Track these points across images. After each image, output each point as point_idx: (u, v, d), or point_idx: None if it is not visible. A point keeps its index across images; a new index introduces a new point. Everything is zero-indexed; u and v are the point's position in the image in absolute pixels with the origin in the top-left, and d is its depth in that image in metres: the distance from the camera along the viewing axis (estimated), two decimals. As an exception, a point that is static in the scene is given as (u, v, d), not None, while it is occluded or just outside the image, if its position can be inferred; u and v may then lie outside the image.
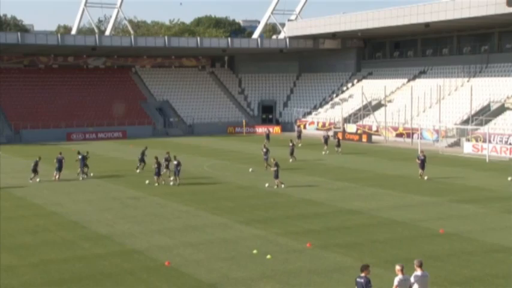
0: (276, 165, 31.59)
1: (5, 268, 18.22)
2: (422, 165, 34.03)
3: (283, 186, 31.46)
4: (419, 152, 35.42)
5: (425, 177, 33.89)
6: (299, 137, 53.79)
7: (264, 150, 39.08)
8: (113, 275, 17.60)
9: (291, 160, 41.58)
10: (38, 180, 34.25)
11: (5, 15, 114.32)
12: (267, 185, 31.87)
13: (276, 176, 31.56)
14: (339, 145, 47.58)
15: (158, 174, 32.88)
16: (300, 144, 51.40)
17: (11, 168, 40.58)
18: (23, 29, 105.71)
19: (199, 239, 21.38)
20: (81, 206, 27.60)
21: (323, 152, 47.43)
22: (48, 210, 26.72)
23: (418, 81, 66.08)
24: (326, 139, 49.04)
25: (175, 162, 32.96)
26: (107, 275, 17.55)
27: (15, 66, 71.42)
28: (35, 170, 34.36)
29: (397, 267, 13.02)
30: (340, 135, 54.46)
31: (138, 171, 37.42)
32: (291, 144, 42.66)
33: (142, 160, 37.94)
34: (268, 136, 51.58)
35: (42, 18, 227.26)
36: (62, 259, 19.06)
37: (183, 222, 24.11)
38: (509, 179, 33.53)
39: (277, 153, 41.12)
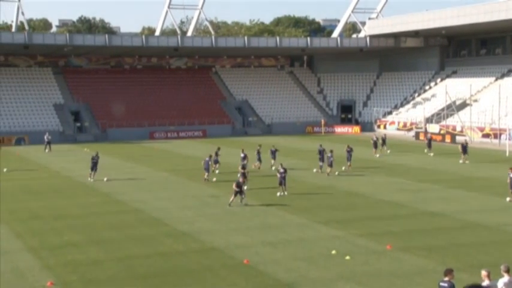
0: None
1: (93, 262, 18.98)
2: None
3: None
4: None
5: None
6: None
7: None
8: (194, 271, 17.95)
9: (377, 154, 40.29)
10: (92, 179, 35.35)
11: (94, 18, 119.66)
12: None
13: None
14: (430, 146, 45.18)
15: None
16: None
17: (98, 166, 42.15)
18: (110, 31, 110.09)
19: (277, 238, 21.44)
20: (163, 203, 28.34)
21: (385, 151, 47.08)
22: (132, 206, 27.64)
23: (506, 79, 63.29)
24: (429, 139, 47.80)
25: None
26: (187, 271, 17.92)
27: (103, 67, 74.37)
28: (93, 168, 35.69)
29: (483, 273, 12.56)
30: (427, 136, 49.97)
31: (216, 171, 36.99)
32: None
33: (216, 161, 37.76)
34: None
35: (128, 21, 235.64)
36: (144, 254, 19.64)
37: (261, 221, 24.26)
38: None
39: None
